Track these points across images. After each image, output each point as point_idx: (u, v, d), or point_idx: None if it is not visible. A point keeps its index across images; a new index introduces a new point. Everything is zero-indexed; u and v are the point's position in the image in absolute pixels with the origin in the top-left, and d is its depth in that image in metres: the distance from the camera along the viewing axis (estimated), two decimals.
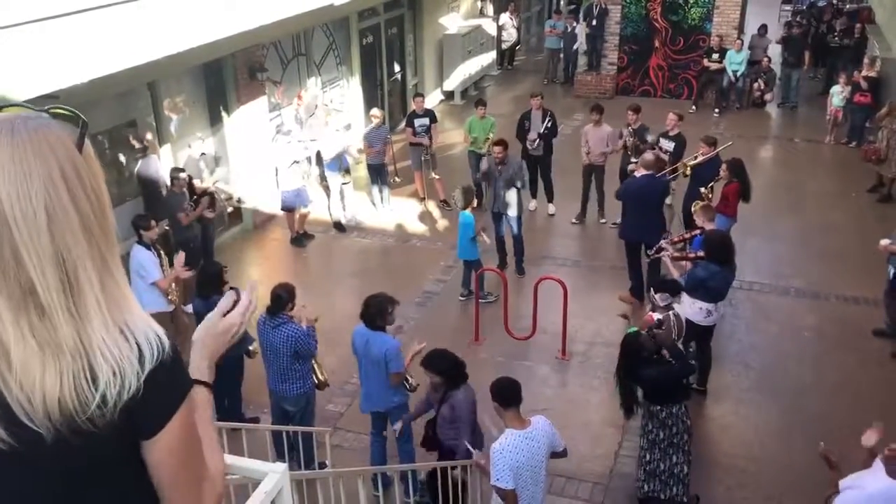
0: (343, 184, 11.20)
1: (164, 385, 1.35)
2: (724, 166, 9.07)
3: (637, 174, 8.90)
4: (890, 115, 11.60)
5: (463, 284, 9.42)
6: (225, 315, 1.71)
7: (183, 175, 8.92)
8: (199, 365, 1.65)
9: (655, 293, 6.60)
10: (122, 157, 9.20)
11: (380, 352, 5.94)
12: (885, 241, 7.93)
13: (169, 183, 9.00)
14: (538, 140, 11.02)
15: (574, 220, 11.41)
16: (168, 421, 1.37)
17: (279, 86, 11.87)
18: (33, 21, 5.55)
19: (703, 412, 7.43)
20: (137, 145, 9.27)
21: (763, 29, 17.47)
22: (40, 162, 1.22)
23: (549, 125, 11.12)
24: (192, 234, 9.06)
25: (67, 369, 1.25)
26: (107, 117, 8.89)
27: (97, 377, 1.26)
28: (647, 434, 5.95)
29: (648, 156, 8.94)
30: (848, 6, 20.44)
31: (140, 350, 1.31)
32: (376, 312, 5.98)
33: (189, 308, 7.81)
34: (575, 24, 18.35)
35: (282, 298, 6.15)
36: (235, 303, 1.73)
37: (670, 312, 6.43)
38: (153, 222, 7.71)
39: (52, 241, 1.22)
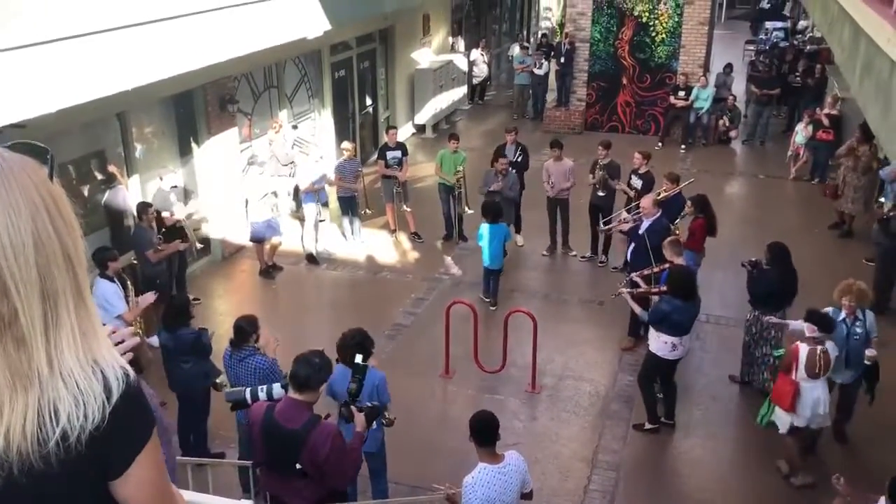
0: (319, 220, 11.18)
1: (129, 419, 1.32)
2: (688, 202, 9.19)
3: (647, 220, 8.77)
4: (848, 154, 11.89)
5: (491, 294, 9.92)
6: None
7: (151, 210, 8.83)
8: None
9: (805, 322, 6.63)
10: (88, 188, 9.10)
11: (370, 386, 5.70)
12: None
13: (136, 217, 8.89)
14: (509, 168, 11.09)
15: (544, 253, 11.53)
16: (136, 456, 1.34)
17: (249, 118, 11.87)
18: (1, 51, 5.51)
19: (671, 446, 7.45)
20: (115, 174, 9.17)
21: (728, 68, 17.88)
22: (24, 193, 1.22)
23: (520, 157, 11.26)
24: (161, 269, 8.92)
25: (33, 404, 1.23)
26: (75, 147, 8.80)
27: (58, 410, 1.24)
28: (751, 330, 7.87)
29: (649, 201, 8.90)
30: (808, 47, 21.04)
31: (106, 381, 1.29)
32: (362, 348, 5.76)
33: (154, 341, 7.68)
34: (544, 61, 18.63)
35: (244, 330, 6.04)
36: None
37: (818, 347, 6.51)
38: (116, 254, 7.60)
39: (38, 272, 1.22)
